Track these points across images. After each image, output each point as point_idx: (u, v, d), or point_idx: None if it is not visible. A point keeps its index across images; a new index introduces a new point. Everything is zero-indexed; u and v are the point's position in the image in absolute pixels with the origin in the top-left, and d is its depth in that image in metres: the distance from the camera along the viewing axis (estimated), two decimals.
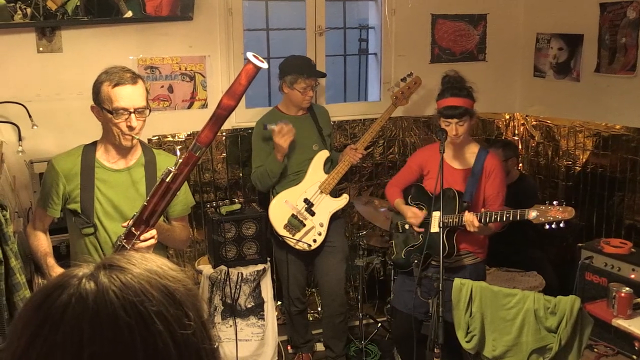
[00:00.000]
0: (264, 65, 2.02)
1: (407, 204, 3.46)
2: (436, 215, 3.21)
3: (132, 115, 2.36)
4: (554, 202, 2.97)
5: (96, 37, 3.76)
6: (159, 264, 0.88)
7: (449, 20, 4.67)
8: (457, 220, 3.16)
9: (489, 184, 3.32)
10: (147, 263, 0.87)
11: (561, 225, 2.93)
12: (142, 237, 2.25)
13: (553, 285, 3.90)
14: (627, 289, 3.17)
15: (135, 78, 2.39)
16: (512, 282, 3.80)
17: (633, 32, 3.95)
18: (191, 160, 2.13)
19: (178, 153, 2.19)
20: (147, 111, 2.42)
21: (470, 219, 3.11)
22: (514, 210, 3.03)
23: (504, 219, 3.07)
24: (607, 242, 3.79)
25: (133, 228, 2.24)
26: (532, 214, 2.97)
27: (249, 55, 1.99)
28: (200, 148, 2.10)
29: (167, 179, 2.13)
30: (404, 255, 3.43)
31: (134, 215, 2.25)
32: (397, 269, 3.65)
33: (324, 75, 3.87)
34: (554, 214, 2.94)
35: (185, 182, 2.61)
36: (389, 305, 4.29)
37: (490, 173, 3.32)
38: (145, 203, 2.20)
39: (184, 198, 2.67)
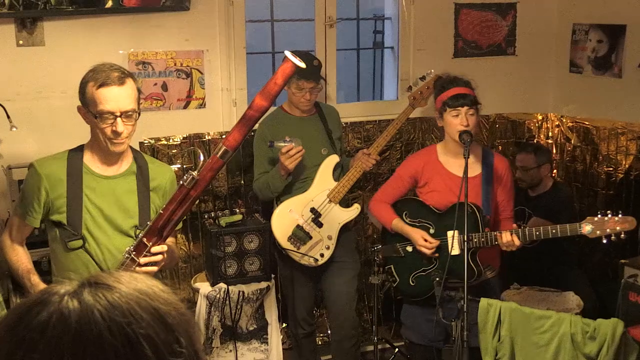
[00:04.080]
0: (303, 65, 2.11)
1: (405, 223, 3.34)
2: (454, 235, 3.12)
3: (118, 119, 2.37)
4: (608, 213, 2.96)
5: (82, 29, 3.78)
6: (149, 284, 0.88)
7: (475, 9, 4.67)
8: (483, 239, 3.13)
9: (501, 190, 3.30)
10: (136, 283, 0.87)
11: (622, 236, 2.93)
12: (153, 250, 2.27)
13: (592, 307, 3.87)
14: None
15: (123, 78, 2.38)
16: (546, 302, 3.77)
17: None
18: (216, 165, 2.17)
19: (202, 157, 2.22)
20: (136, 115, 2.43)
21: (508, 240, 3.06)
22: (561, 225, 3.01)
23: (550, 235, 3.03)
24: None
25: (145, 239, 2.26)
26: (587, 227, 2.95)
27: (287, 53, 2.10)
28: (227, 152, 2.14)
29: (188, 185, 2.15)
30: (413, 282, 3.34)
31: (147, 224, 2.28)
32: (405, 299, 3.51)
33: (321, 79, 3.78)
34: (612, 225, 2.93)
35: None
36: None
37: (501, 177, 3.30)
38: (161, 211, 2.22)
39: None
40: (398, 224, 3.36)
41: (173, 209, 2.20)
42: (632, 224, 2.94)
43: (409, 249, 3.37)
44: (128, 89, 2.40)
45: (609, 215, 2.96)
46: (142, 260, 2.29)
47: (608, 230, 2.94)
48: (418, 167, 3.37)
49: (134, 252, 2.28)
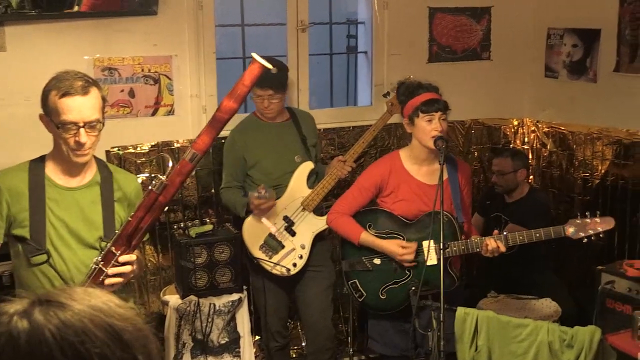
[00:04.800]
0: (269, 66, 2.15)
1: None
2: (429, 244, 3.12)
3: (82, 130, 2.34)
4: (587, 214, 3.14)
5: (46, 34, 3.73)
6: (104, 299, 0.87)
7: (449, 14, 4.70)
8: (463, 247, 3.14)
9: (465, 193, 3.35)
10: (90, 299, 0.86)
11: (601, 236, 3.14)
12: (120, 259, 2.24)
13: (570, 313, 3.90)
14: None
15: (87, 87, 2.36)
16: (524, 310, 3.80)
17: None
18: (185, 169, 2.17)
19: (170, 164, 2.22)
20: (100, 125, 2.40)
21: (494, 247, 3.09)
22: (545, 229, 3.13)
23: (534, 239, 3.13)
24: (630, 264, 3.78)
25: (113, 248, 2.23)
26: (570, 230, 3.11)
27: (255, 55, 2.14)
28: (196, 155, 2.14)
29: (157, 190, 2.14)
30: (384, 295, 3.32)
31: (115, 233, 2.26)
32: (371, 313, 3.48)
33: (280, 87, 3.71)
34: (593, 226, 3.10)
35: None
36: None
37: (466, 182, 3.34)
38: (129, 218, 2.20)
39: None
40: (367, 237, 3.30)
41: (141, 216, 2.19)
42: (611, 224, 3.11)
43: (377, 261, 3.33)
44: (92, 98, 2.37)
45: (589, 217, 3.11)
46: (110, 270, 2.27)
47: (590, 231, 3.09)
48: (384, 176, 3.33)
49: (101, 262, 2.25)
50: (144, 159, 4.01)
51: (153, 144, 4.05)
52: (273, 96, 3.66)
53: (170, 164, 2.21)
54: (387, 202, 3.34)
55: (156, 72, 4.01)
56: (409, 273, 3.25)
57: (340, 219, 3.40)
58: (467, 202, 3.37)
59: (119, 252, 2.24)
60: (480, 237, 3.19)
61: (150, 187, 2.16)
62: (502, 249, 3.11)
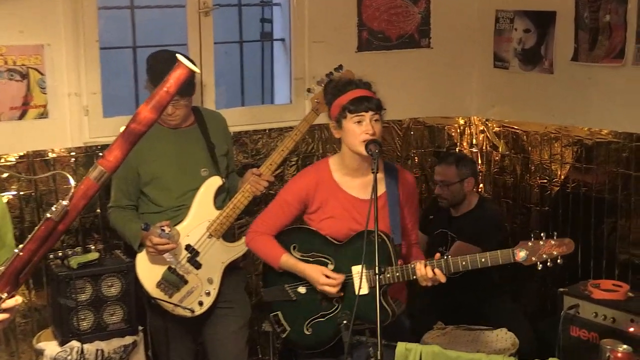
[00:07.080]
0: (197, 70, 2.23)
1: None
2: (359, 270, 3.11)
3: None
4: (542, 235, 3.08)
5: None
6: None
7: None
8: (398, 274, 3.12)
9: (407, 210, 3.32)
10: None
11: (558, 261, 3.04)
12: (4, 305, 2.18)
13: (529, 345, 3.95)
14: (625, 347, 3.24)
15: None
16: (476, 343, 3.83)
17: (619, 8, 4.12)
18: (91, 191, 2.13)
19: (72, 182, 2.16)
20: None
21: (425, 274, 3.06)
22: (492, 253, 3.08)
23: (479, 264, 3.08)
24: (596, 284, 3.88)
25: None
26: (521, 254, 3.05)
27: (180, 56, 2.19)
28: (104, 174, 2.12)
29: (58, 217, 2.10)
30: (309, 331, 3.30)
31: None
32: (299, 351, 3.45)
33: (188, 92, 3.66)
34: (548, 250, 3.04)
35: (10, 221, 2.66)
36: None
37: (409, 196, 3.33)
38: (19, 252, 2.13)
39: (12, 243, 2.58)
40: (289, 260, 3.28)
41: (34, 248, 2.12)
42: (570, 247, 3.05)
43: (302, 290, 3.31)
44: None
45: (544, 239, 3.06)
46: None
47: (544, 255, 3.04)
48: (309, 189, 3.31)
49: None
50: (9, 173, 3.90)
51: (22, 154, 3.96)
52: (178, 102, 3.60)
53: (72, 182, 2.16)
54: (314, 220, 3.33)
55: (24, 65, 3.95)
56: (337, 304, 3.23)
57: (259, 240, 3.38)
58: (410, 220, 3.35)
59: (5, 294, 2.17)
60: (413, 263, 3.17)
61: (48, 214, 2.09)
62: (442, 278, 3.08)
